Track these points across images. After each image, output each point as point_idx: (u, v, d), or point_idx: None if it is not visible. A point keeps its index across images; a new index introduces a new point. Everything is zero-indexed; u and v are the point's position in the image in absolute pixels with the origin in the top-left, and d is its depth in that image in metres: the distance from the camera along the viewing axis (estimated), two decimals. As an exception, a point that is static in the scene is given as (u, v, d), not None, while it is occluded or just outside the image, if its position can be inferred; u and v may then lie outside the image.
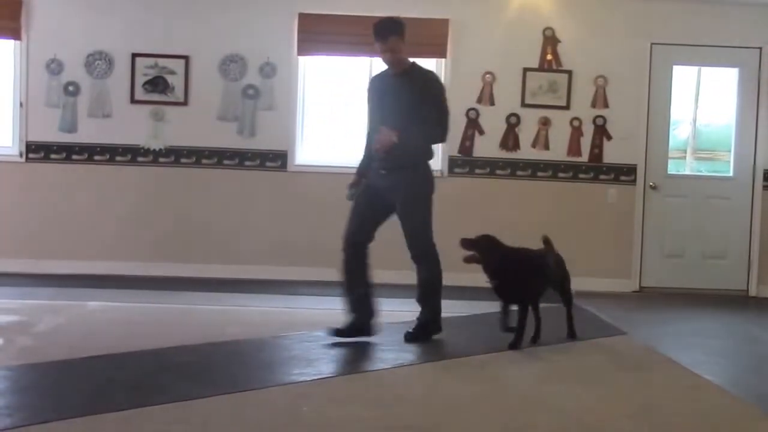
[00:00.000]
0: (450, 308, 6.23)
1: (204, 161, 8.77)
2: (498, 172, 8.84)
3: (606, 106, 8.83)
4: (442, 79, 8.69)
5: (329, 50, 8.76)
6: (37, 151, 8.70)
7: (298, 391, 4.71)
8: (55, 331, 6.14)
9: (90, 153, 8.72)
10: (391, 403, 4.53)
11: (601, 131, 8.84)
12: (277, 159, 8.79)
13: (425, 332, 5.92)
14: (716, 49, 8.87)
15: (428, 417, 4.33)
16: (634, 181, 8.86)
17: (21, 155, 8.69)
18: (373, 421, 4.22)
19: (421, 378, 5.15)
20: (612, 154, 8.85)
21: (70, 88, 8.68)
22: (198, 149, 8.76)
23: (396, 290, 6.89)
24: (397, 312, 6.47)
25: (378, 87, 6.00)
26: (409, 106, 5.74)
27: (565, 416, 4.40)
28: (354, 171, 6.05)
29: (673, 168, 9.06)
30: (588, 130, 8.83)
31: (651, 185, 8.89)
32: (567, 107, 8.81)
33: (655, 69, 8.86)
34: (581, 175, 8.86)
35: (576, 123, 8.81)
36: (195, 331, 6.14)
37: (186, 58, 8.70)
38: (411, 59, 5.98)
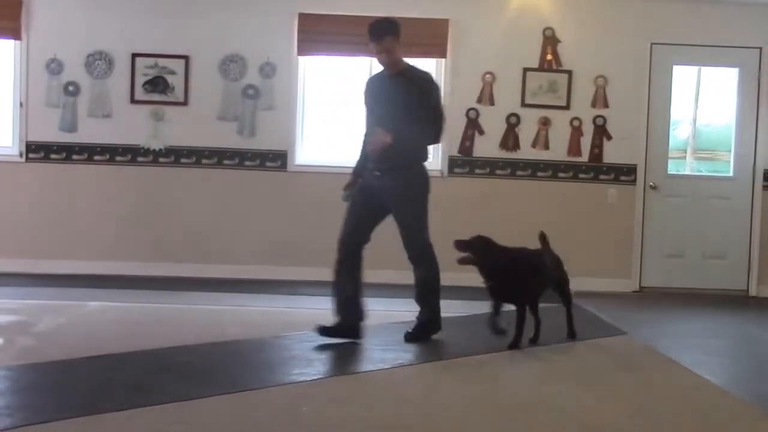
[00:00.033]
0: (450, 308, 6.23)
1: (204, 161, 8.77)
2: (498, 172, 8.84)
3: (606, 106, 8.83)
4: (442, 80, 8.77)
5: (329, 50, 8.76)
6: (37, 151, 8.70)
7: (297, 391, 4.71)
8: (55, 331, 6.15)
9: (90, 153, 8.72)
10: (391, 404, 4.53)
11: (601, 131, 8.84)
12: (277, 159, 8.79)
13: (425, 332, 5.92)
14: (716, 49, 8.87)
15: (428, 417, 4.33)
16: (634, 181, 8.86)
17: (21, 155, 8.69)
18: (373, 421, 4.22)
19: (421, 378, 5.15)
20: (612, 154, 8.84)
21: (70, 88, 8.68)
22: (198, 149, 8.76)
23: (396, 290, 6.89)
24: (397, 312, 6.48)
25: (374, 88, 5.98)
26: (405, 107, 5.73)
27: (565, 416, 4.40)
28: (351, 172, 6.06)
29: (673, 168, 9.06)
30: (588, 130, 8.83)
31: (651, 185, 8.89)
32: (567, 107, 8.81)
33: (655, 69, 8.85)
34: (581, 175, 8.86)
35: (576, 123, 8.81)
36: (195, 331, 6.14)
37: (186, 58, 8.70)
38: (407, 60, 5.97)
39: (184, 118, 8.73)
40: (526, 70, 8.79)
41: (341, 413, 4.32)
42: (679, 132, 9.26)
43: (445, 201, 8.51)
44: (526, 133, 8.83)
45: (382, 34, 5.76)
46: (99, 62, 8.67)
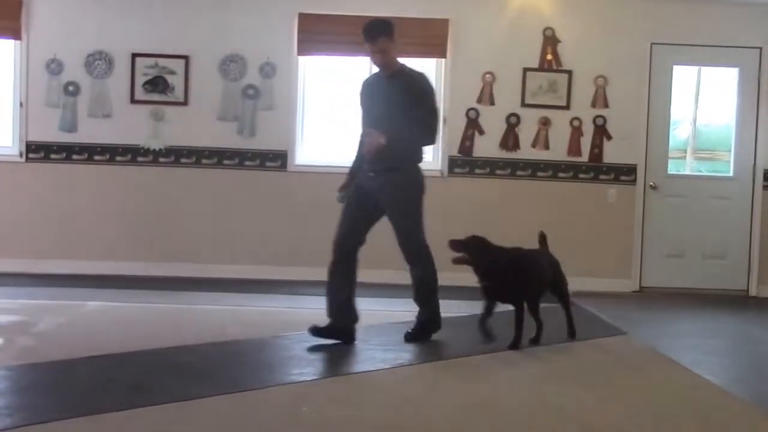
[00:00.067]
0: (450, 308, 6.22)
1: (204, 161, 8.77)
2: (498, 172, 8.83)
3: (606, 106, 8.82)
4: (442, 80, 8.77)
5: (329, 50, 8.75)
6: (37, 151, 8.70)
7: (297, 391, 4.71)
8: (55, 331, 6.14)
9: (90, 153, 8.72)
10: (391, 404, 4.53)
11: (601, 131, 8.83)
12: (277, 159, 8.78)
13: (425, 332, 5.92)
14: (716, 49, 8.86)
15: (428, 417, 4.33)
16: (634, 181, 8.86)
17: (21, 155, 8.69)
18: (373, 421, 4.22)
19: (421, 378, 5.15)
20: (612, 154, 8.84)
21: (70, 88, 8.67)
22: (198, 149, 8.76)
23: (395, 290, 6.89)
24: (397, 312, 6.47)
25: (369, 89, 5.97)
26: (399, 108, 5.70)
27: (565, 416, 4.40)
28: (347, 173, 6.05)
29: (673, 168, 9.06)
30: (588, 130, 8.83)
31: (651, 185, 8.89)
32: (567, 107, 8.81)
33: (655, 69, 8.85)
34: (581, 175, 8.86)
35: (576, 123, 8.81)
36: (195, 331, 6.14)
37: (186, 58, 8.70)
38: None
39: (184, 118, 8.72)
40: (526, 70, 8.78)
41: (341, 413, 4.32)
42: (679, 132, 9.26)
43: (445, 201, 8.53)
44: (526, 133, 8.82)
45: (376, 35, 5.75)
46: (99, 62, 8.67)
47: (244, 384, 4.79)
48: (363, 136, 5.88)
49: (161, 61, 8.68)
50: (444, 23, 8.70)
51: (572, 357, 5.76)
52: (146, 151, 8.73)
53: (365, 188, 5.84)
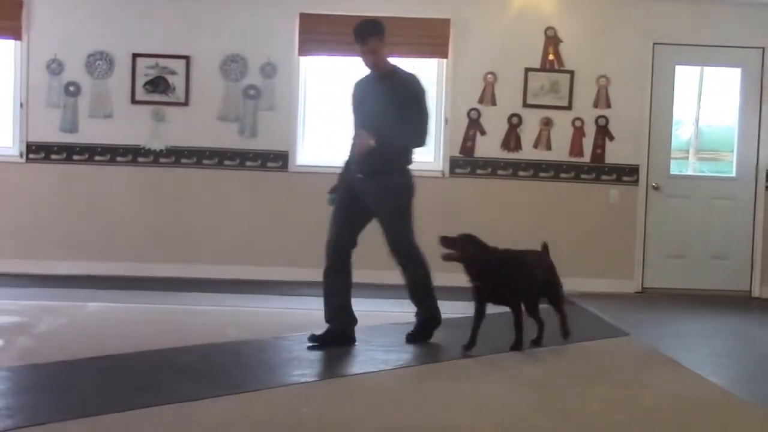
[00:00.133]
0: (451, 309, 6.20)
1: (205, 162, 8.75)
2: (500, 172, 8.82)
3: (608, 106, 8.81)
4: (444, 80, 8.76)
5: (330, 50, 8.73)
6: (37, 151, 8.68)
7: (298, 393, 4.70)
8: (55, 332, 6.13)
9: (91, 153, 8.71)
10: (392, 405, 4.52)
11: (604, 131, 8.82)
12: (278, 159, 8.77)
13: (425, 331, 5.89)
14: (719, 49, 8.85)
15: (429, 418, 4.31)
16: (636, 182, 8.84)
17: (21, 156, 8.68)
18: (374, 422, 4.20)
19: (422, 379, 5.13)
20: (614, 155, 8.82)
21: (71, 88, 8.66)
22: (199, 149, 8.74)
23: (396, 291, 6.85)
24: (398, 313, 6.45)
25: (360, 90, 5.93)
26: (390, 109, 5.66)
27: (567, 417, 4.39)
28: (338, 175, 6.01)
29: (675, 168, 9.04)
30: (590, 131, 8.81)
31: (653, 186, 8.87)
32: (569, 107, 8.79)
33: (657, 69, 8.83)
34: (583, 176, 8.84)
35: (578, 123, 8.79)
36: (196, 332, 6.14)
37: (187, 58, 8.69)
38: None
39: (184, 118, 8.71)
40: (527, 70, 8.77)
41: (342, 415, 4.31)
42: (682, 132, 9.24)
43: (447, 201, 8.53)
44: (528, 133, 8.81)
45: (366, 36, 5.72)
46: (100, 62, 8.66)
47: (244, 385, 4.77)
48: (354, 137, 5.83)
49: (162, 62, 8.67)
50: (445, 23, 8.69)
51: (574, 358, 5.74)
52: (147, 152, 8.72)
53: (355, 190, 5.80)
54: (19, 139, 8.68)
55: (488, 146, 8.80)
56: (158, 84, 8.67)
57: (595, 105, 8.81)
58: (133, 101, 8.70)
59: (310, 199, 8.60)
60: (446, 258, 5.56)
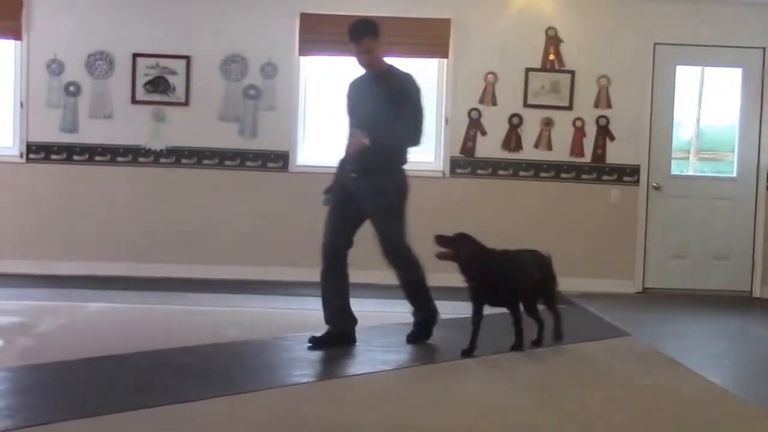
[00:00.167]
0: (451, 309, 6.19)
1: (205, 162, 8.75)
2: (500, 172, 8.81)
3: (609, 106, 8.80)
4: (444, 80, 8.75)
5: (331, 50, 8.71)
6: (37, 151, 8.68)
7: (298, 393, 4.69)
8: (55, 333, 6.13)
9: (91, 153, 8.70)
10: (392, 405, 4.51)
11: (604, 131, 8.81)
12: (279, 160, 8.76)
13: (424, 330, 5.88)
14: (719, 49, 8.84)
15: (429, 419, 4.30)
16: (637, 182, 8.83)
17: (21, 156, 8.67)
18: (374, 422, 4.20)
19: (423, 380, 5.12)
20: (615, 155, 8.82)
21: (71, 88, 8.65)
22: (199, 150, 8.74)
23: (397, 291, 6.83)
24: (398, 313, 6.43)
25: (355, 91, 5.90)
26: (385, 109, 5.62)
27: (567, 417, 4.38)
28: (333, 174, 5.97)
29: (676, 168, 9.04)
30: (591, 131, 8.81)
31: (654, 186, 8.86)
32: (570, 107, 8.78)
33: (658, 69, 8.83)
34: (584, 176, 8.83)
35: (579, 123, 8.79)
36: (196, 333, 6.13)
37: (187, 58, 8.68)
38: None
39: (185, 118, 8.71)
40: (528, 70, 8.76)
41: (342, 415, 4.30)
42: (683, 132, 9.23)
43: (447, 201, 8.53)
44: (529, 133, 8.80)
45: (360, 35, 5.69)
46: (100, 62, 8.65)
47: (244, 385, 4.76)
48: (348, 137, 5.80)
49: (162, 62, 8.66)
50: (446, 23, 8.68)
51: (575, 358, 5.73)
52: (147, 152, 8.72)
53: (349, 190, 5.78)
54: (19, 139, 8.68)
55: (489, 146, 8.79)
56: (158, 84, 8.67)
57: (596, 105, 8.80)
58: (134, 101, 8.69)
59: (310, 199, 8.54)
60: (441, 257, 5.52)
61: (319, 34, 8.61)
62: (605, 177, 8.83)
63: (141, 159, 8.72)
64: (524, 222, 8.51)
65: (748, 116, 8.90)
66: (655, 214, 8.89)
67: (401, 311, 6.40)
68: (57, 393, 4.50)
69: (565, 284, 8.09)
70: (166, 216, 8.72)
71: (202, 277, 8.50)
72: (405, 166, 5.85)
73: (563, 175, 8.82)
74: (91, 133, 8.67)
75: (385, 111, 5.62)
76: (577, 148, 8.81)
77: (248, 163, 8.75)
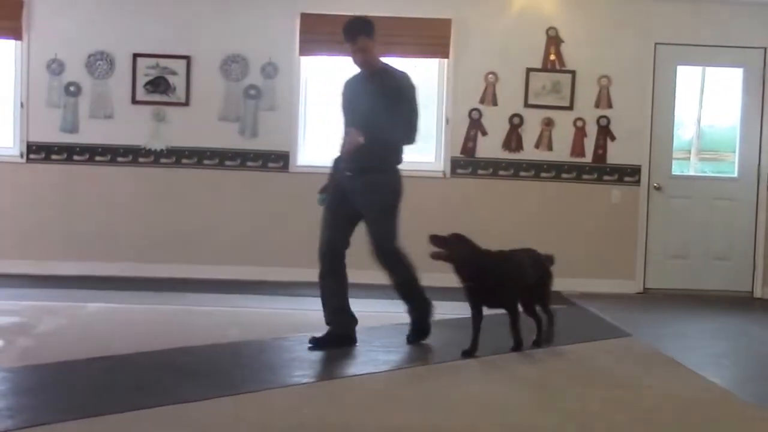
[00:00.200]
0: (452, 310, 6.18)
1: (205, 162, 8.74)
2: (501, 172, 8.80)
3: (610, 106, 8.79)
4: (445, 80, 8.74)
5: (331, 50, 8.69)
6: (37, 151, 8.67)
7: (299, 393, 4.69)
8: (55, 333, 6.13)
9: (91, 154, 8.70)
10: (393, 406, 4.50)
11: (605, 132, 8.80)
12: (279, 160, 8.76)
13: (423, 326, 5.86)
14: (720, 49, 8.83)
15: (430, 419, 4.30)
16: (638, 182, 8.82)
17: (22, 156, 8.67)
18: (374, 423, 4.19)
19: (422, 380, 5.11)
20: (616, 155, 8.81)
21: (71, 88, 8.65)
22: (199, 150, 8.73)
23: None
24: (398, 313, 6.42)
25: (350, 89, 5.88)
26: (380, 107, 5.60)
27: (567, 417, 4.37)
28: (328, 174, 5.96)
29: (677, 169, 9.03)
30: (592, 131, 8.80)
31: (655, 186, 8.85)
32: (570, 107, 8.78)
33: (659, 69, 8.82)
34: (585, 176, 8.82)
35: (579, 123, 8.78)
36: (196, 333, 6.13)
37: (187, 58, 8.68)
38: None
39: (185, 118, 8.70)
40: (529, 70, 8.75)
41: (342, 416, 4.29)
42: (684, 132, 9.22)
43: (448, 202, 8.53)
44: (530, 133, 8.79)
45: (355, 34, 5.67)
46: (100, 62, 8.65)
47: (244, 386, 4.76)
48: (343, 135, 5.77)
49: (162, 62, 8.66)
50: (446, 23, 8.67)
51: (575, 358, 5.72)
52: (147, 152, 8.71)
53: (343, 190, 5.75)
54: (19, 139, 8.68)
55: (489, 146, 8.79)
56: (159, 84, 8.66)
57: (597, 105, 8.79)
58: (134, 101, 8.69)
59: (311, 199, 8.48)
60: (435, 257, 5.49)
61: (320, 34, 8.60)
62: (606, 177, 8.83)
63: (141, 159, 8.71)
64: (525, 222, 8.50)
65: (749, 116, 8.90)
66: (656, 215, 8.88)
67: (402, 311, 6.39)
68: (57, 393, 4.50)
69: (566, 284, 8.14)
70: (167, 216, 8.72)
71: (202, 277, 8.50)
72: (400, 166, 5.82)
73: (564, 176, 8.81)
74: (92, 133, 8.67)
75: (381, 109, 5.60)
76: (577, 149, 8.80)
77: (249, 164, 8.75)
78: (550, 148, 8.79)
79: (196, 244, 8.70)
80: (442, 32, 8.66)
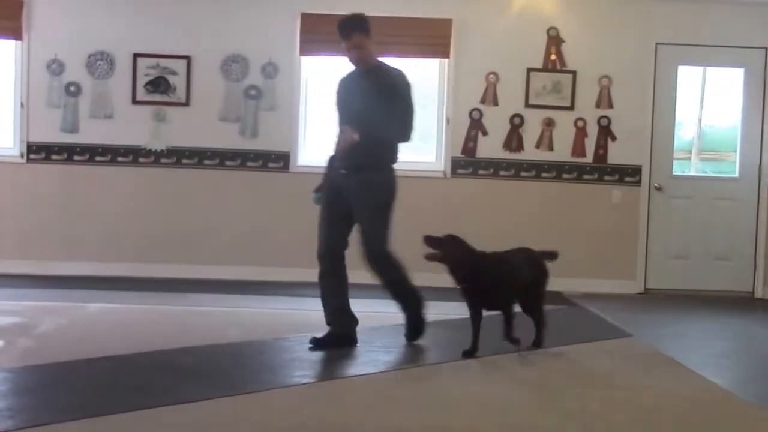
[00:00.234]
0: (452, 310, 6.18)
1: (206, 162, 8.74)
2: (501, 173, 8.79)
3: (611, 106, 8.79)
4: (446, 80, 8.74)
5: (332, 50, 8.65)
6: (38, 151, 8.67)
7: (299, 394, 4.68)
8: (56, 333, 6.12)
9: (91, 154, 8.69)
10: (393, 406, 4.49)
11: (606, 132, 8.80)
12: (280, 160, 8.75)
13: (419, 321, 5.82)
14: (721, 49, 8.83)
15: (430, 419, 4.29)
16: (639, 182, 8.82)
17: (22, 156, 8.67)
18: (374, 423, 4.18)
19: (423, 380, 5.11)
20: (617, 155, 8.80)
21: (72, 88, 8.65)
22: (200, 150, 8.73)
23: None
24: (399, 314, 6.41)
25: (344, 87, 5.85)
26: (375, 105, 5.57)
27: (568, 417, 4.36)
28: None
29: (678, 169, 9.03)
30: (592, 131, 8.80)
31: (656, 186, 8.85)
32: (571, 108, 8.77)
33: (660, 69, 8.82)
34: (586, 176, 8.82)
35: (580, 123, 8.77)
36: (196, 333, 6.12)
37: (188, 58, 8.68)
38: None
39: (185, 118, 8.70)
40: (530, 70, 8.75)
41: (343, 416, 4.29)
42: (684, 133, 9.22)
43: (448, 202, 8.52)
44: (530, 133, 8.79)
45: (350, 31, 5.64)
46: (100, 62, 8.64)
47: (245, 386, 4.75)
48: (338, 133, 5.74)
49: (163, 62, 8.66)
50: (447, 23, 8.67)
51: (576, 359, 5.71)
52: (148, 152, 8.71)
53: (338, 188, 5.72)
54: (19, 140, 8.67)
55: (490, 147, 8.78)
56: (159, 84, 8.66)
57: (598, 105, 8.79)
58: (134, 101, 8.68)
59: (311, 199, 8.57)
60: (429, 258, 5.46)
61: (320, 34, 8.59)
62: (607, 177, 8.82)
63: (141, 159, 8.71)
64: (525, 222, 8.50)
65: (749, 116, 8.89)
66: (656, 215, 8.88)
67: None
68: (57, 394, 4.49)
69: (567, 284, 8.15)
70: (167, 216, 8.71)
71: (202, 277, 8.49)
72: (395, 165, 5.78)
73: (565, 176, 8.81)
74: (92, 134, 8.67)
75: (375, 107, 5.56)
76: (578, 149, 8.80)
77: (249, 164, 8.74)
78: (550, 148, 8.79)
79: (196, 244, 8.70)
80: (443, 32, 8.65)
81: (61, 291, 7.59)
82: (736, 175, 8.97)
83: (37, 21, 8.63)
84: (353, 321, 5.78)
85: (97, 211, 8.70)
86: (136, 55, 8.65)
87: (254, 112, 8.72)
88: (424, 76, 8.78)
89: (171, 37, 8.68)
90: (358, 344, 5.74)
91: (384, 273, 5.72)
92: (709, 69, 9.12)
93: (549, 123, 8.77)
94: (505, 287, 5.57)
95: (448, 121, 8.75)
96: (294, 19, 8.66)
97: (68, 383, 4.70)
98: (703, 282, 8.87)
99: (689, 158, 9.19)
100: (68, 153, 8.67)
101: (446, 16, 8.68)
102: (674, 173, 8.95)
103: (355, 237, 5.79)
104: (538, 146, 8.79)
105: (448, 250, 5.47)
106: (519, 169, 8.79)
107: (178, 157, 8.72)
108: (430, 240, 5.48)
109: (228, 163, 8.73)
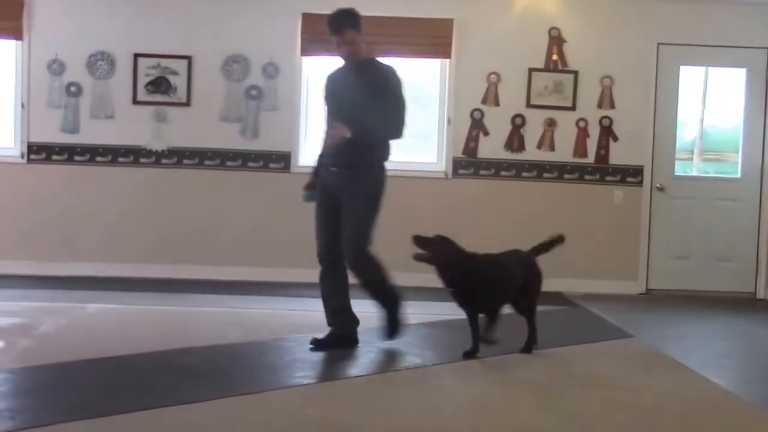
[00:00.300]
0: (452, 310, 6.15)
1: (207, 162, 8.73)
2: (503, 173, 8.78)
3: (612, 106, 8.77)
4: (447, 80, 8.73)
5: (333, 50, 8.65)
6: (38, 152, 8.66)
7: (300, 394, 4.68)
8: (56, 334, 6.11)
9: (92, 154, 8.69)
10: (393, 407, 4.49)
11: (608, 132, 8.78)
12: (281, 160, 8.74)
13: (393, 327, 5.75)
14: (723, 49, 8.81)
15: (431, 420, 4.29)
16: (640, 183, 8.81)
17: (22, 156, 8.66)
18: (375, 424, 4.18)
19: (424, 381, 5.10)
20: (618, 156, 8.79)
21: (72, 88, 8.64)
22: (201, 150, 8.72)
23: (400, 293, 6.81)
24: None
25: (333, 83, 5.79)
26: (366, 100, 5.51)
27: (568, 418, 4.36)
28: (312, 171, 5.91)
29: (680, 169, 9.02)
30: (594, 131, 8.79)
31: (658, 187, 8.83)
32: (573, 108, 8.76)
33: (661, 69, 8.80)
34: (587, 177, 8.80)
35: (582, 124, 8.76)
36: (197, 334, 6.12)
37: (188, 58, 8.67)
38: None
39: (186, 118, 8.69)
40: (531, 70, 8.74)
41: (343, 417, 4.28)
42: (686, 133, 9.21)
43: (450, 202, 8.51)
44: (532, 134, 8.78)
45: (341, 27, 5.60)
46: (101, 63, 8.64)
47: (245, 387, 4.74)
48: (327, 130, 5.69)
49: (163, 62, 8.65)
50: (448, 23, 8.66)
51: (576, 359, 5.71)
52: (149, 153, 8.70)
53: (329, 187, 5.69)
54: (20, 140, 8.67)
55: (491, 147, 8.77)
56: (160, 84, 8.65)
57: (599, 105, 8.77)
58: (135, 102, 8.68)
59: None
60: (417, 258, 5.42)
61: (321, 34, 8.41)
62: (608, 178, 8.81)
63: (142, 160, 8.70)
64: (526, 223, 8.47)
65: (752, 117, 8.88)
66: (658, 215, 8.86)
67: (404, 312, 6.37)
68: (58, 394, 4.49)
69: (568, 285, 8.15)
70: (168, 217, 8.70)
71: (203, 278, 8.48)
72: (386, 163, 5.72)
73: (566, 176, 8.79)
74: (92, 134, 8.66)
75: (366, 102, 5.51)
76: (580, 149, 8.78)
77: (250, 164, 8.73)
78: (552, 148, 8.78)
79: (197, 244, 8.69)
80: (444, 32, 8.64)
81: (62, 291, 7.58)
82: (738, 175, 8.96)
83: (38, 21, 8.62)
84: (354, 322, 5.77)
85: (97, 211, 8.69)
86: (136, 55, 8.64)
87: (255, 113, 8.71)
88: (426, 77, 8.78)
89: (172, 37, 8.67)
90: (359, 345, 5.73)
91: (364, 272, 5.65)
92: (711, 69, 9.10)
93: (550, 123, 8.76)
94: (494, 291, 5.49)
95: (449, 121, 8.74)
96: (295, 19, 8.65)
97: (68, 384, 4.70)
98: (704, 283, 8.86)
99: (691, 159, 9.18)
100: (69, 153, 8.67)
101: (447, 16, 8.66)
102: (676, 174, 8.94)
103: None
104: (539, 146, 8.78)
105: (436, 250, 5.43)
106: (520, 170, 8.78)
107: (178, 157, 8.71)
108: (419, 240, 5.43)
109: (229, 163, 8.72)
